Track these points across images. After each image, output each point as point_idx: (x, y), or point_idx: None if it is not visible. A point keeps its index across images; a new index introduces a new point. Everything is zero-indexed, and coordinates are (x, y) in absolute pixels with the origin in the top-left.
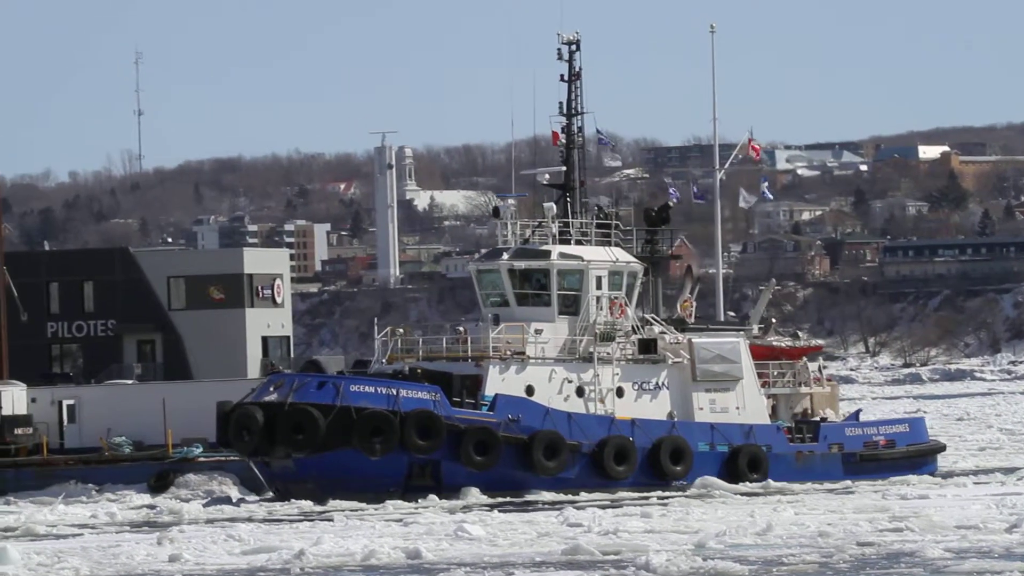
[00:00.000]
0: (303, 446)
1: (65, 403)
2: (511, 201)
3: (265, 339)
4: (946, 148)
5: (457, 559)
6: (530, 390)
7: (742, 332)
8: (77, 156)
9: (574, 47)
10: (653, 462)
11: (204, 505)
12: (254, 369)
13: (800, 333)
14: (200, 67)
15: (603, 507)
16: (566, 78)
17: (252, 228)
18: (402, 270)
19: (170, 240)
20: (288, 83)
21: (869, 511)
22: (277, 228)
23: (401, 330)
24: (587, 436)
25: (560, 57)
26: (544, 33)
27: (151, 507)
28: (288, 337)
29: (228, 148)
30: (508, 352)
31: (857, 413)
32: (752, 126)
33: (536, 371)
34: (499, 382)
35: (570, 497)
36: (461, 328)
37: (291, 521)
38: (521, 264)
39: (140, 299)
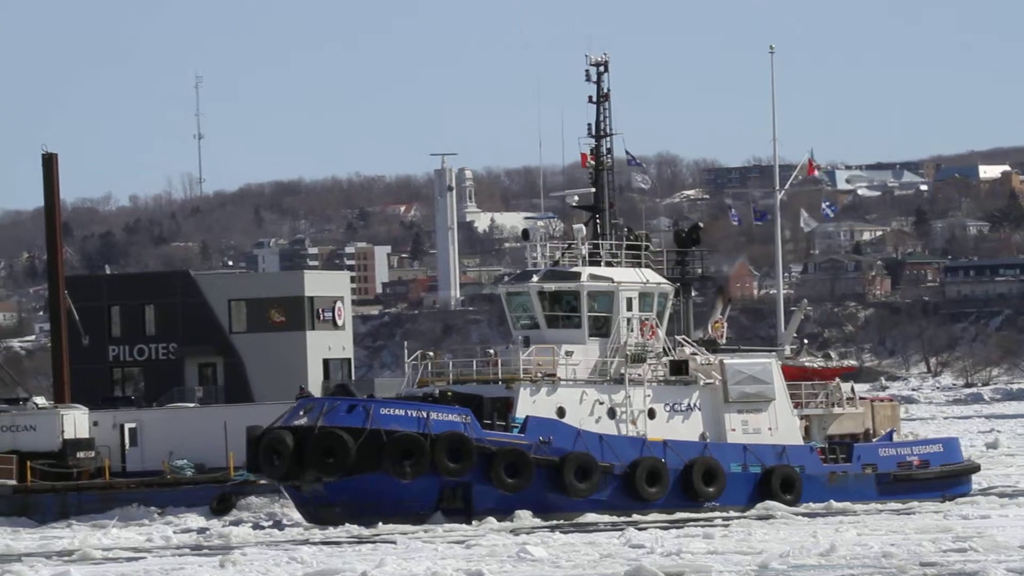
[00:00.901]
0: (333, 470)
1: (127, 426)
2: (540, 223)
3: (326, 361)
4: (1007, 167)
5: None
6: (561, 412)
7: (774, 353)
8: (138, 180)
9: (602, 68)
10: (685, 483)
11: (253, 528)
12: (315, 392)
13: (832, 354)
14: (260, 90)
15: (664, 528)
16: (594, 99)
17: (312, 251)
18: (462, 292)
19: (231, 263)
20: (348, 106)
21: (931, 531)
22: (337, 251)
23: (431, 354)
24: (619, 458)
25: (588, 78)
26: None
27: (200, 531)
28: (349, 359)
29: (288, 171)
30: (539, 374)
31: (891, 434)
32: (812, 147)
33: (567, 393)
34: (530, 404)
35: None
36: (492, 351)
37: (350, 543)
38: (551, 286)
39: (201, 322)
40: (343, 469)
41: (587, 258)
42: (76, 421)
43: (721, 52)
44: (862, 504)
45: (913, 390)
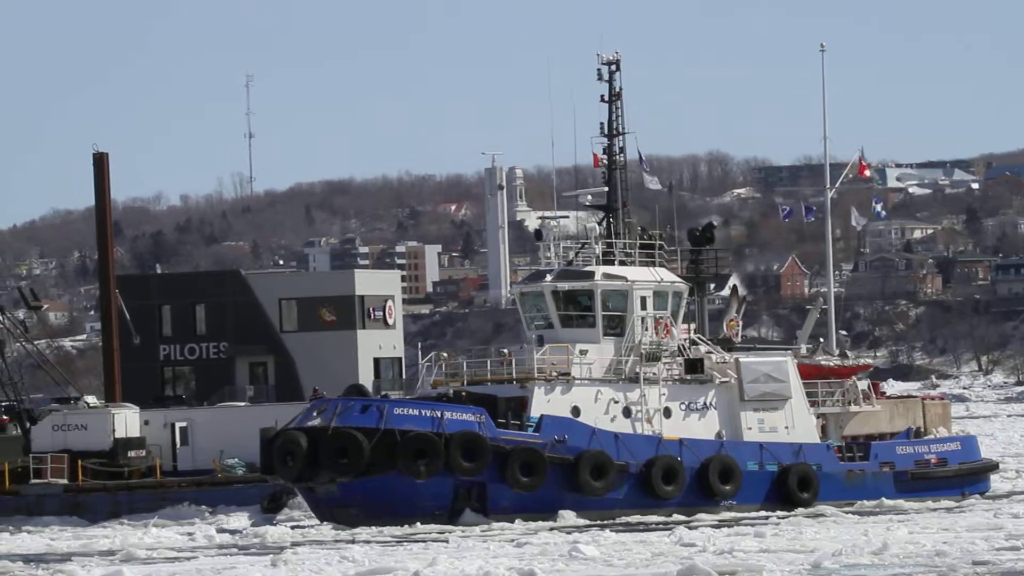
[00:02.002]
0: (347, 471)
1: (178, 425)
2: (554, 224)
3: (377, 360)
4: None
5: None
6: (576, 411)
7: (789, 351)
8: (188, 179)
9: (614, 67)
10: (702, 482)
11: (292, 528)
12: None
13: (848, 352)
14: (310, 89)
15: (715, 527)
16: (606, 98)
17: (363, 250)
18: (513, 291)
19: (281, 262)
20: (398, 105)
21: (983, 529)
22: (388, 249)
23: (445, 355)
24: (634, 456)
25: (600, 77)
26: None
27: (234, 531)
28: (400, 358)
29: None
30: (553, 373)
31: (908, 431)
32: (863, 145)
33: (582, 392)
34: (544, 403)
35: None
36: (506, 351)
37: (402, 542)
38: (565, 286)
39: (252, 321)
40: (357, 470)
41: (601, 257)
42: (127, 420)
43: (772, 50)
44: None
45: (964, 388)
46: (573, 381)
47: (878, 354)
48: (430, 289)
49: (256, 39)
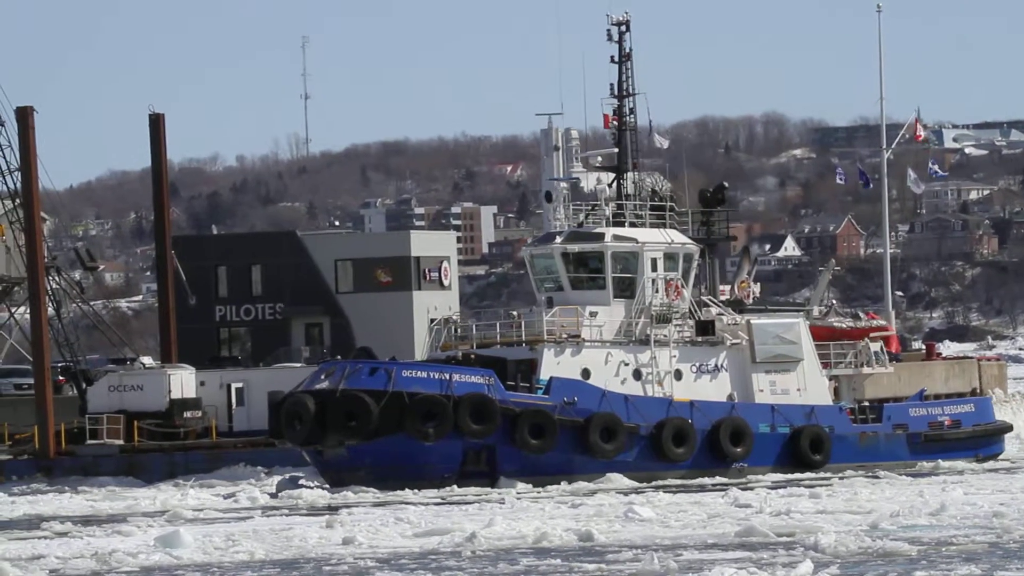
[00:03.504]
0: (355, 433)
1: (233, 386)
2: (563, 185)
3: (432, 321)
4: None
5: (629, 541)
6: (586, 373)
7: (802, 312)
8: (244, 140)
9: (623, 28)
10: (713, 444)
11: (325, 489)
12: (422, 351)
13: (861, 313)
14: (366, 50)
15: (772, 488)
16: (616, 59)
17: (419, 211)
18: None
19: (337, 223)
20: (454, 65)
21: None
22: (444, 211)
23: (456, 317)
24: (645, 418)
25: (610, 38)
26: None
27: (272, 494)
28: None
29: (395, 131)
30: (563, 335)
31: (921, 393)
32: (919, 106)
33: (592, 354)
34: (554, 365)
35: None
36: (515, 313)
37: (458, 504)
38: (574, 247)
39: (308, 282)
40: (365, 433)
41: (611, 219)
42: (183, 381)
43: (828, 10)
44: (893, 464)
45: (1020, 349)
46: (583, 343)
47: (934, 315)
48: (485, 250)
49: (313, 0)
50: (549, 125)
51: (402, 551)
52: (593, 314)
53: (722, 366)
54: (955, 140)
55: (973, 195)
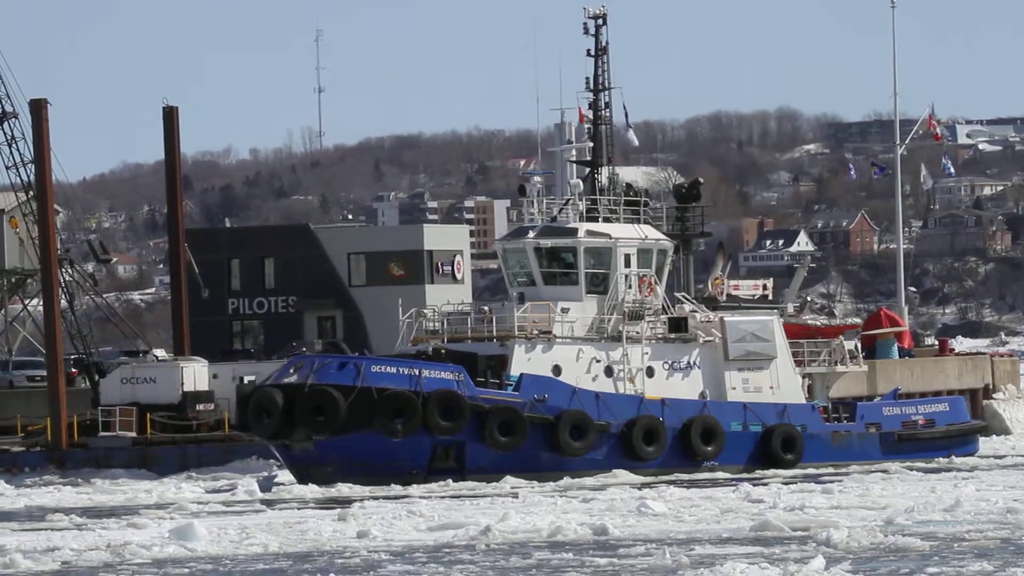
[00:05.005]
0: (323, 428)
1: (246, 379)
2: (537, 179)
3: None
4: None
5: (644, 535)
6: (557, 370)
7: (776, 310)
8: (258, 133)
9: (600, 21)
10: (684, 442)
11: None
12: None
13: (835, 311)
14: (379, 44)
15: (785, 483)
16: (592, 53)
17: (432, 205)
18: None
19: (350, 217)
20: (467, 60)
21: None
22: (457, 204)
23: (427, 311)
24: (615, 416)
25: (586, 31)
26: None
27: (265, 488)
28: None
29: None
30: (534, 331)
31: (895, 392)
32: (933, 102)
33: (563, 350)
34: (525, 362)
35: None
36: (486, 308)
37: (470, 497)
38: (547, 242)
39: (321, 275)
40: (333, 428)
41: (585, 214)
42: (196, 374)
43: (842, 5)
44: (866, 464)
45: None
46: (554, 339)
47: (947, 311)
48: None
49: None
50: (562, 119)
51: (416, 544)
52: (565, 310)
53: (695, 363)
54: (968, 136)
55: (987, 191)
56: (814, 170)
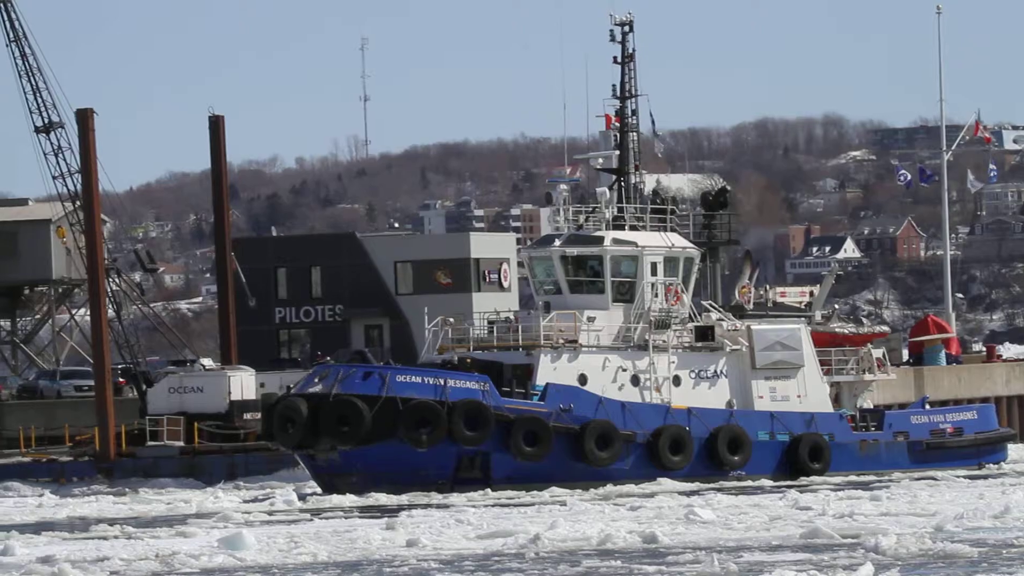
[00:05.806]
0: (348, 438)
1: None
2: (563, 187)
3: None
4: None
5: (693, 543)
6: (583, 379)
7: (803, 319)
8: (304, 142)
9: (627, 28)
10: (710, 452)
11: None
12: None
13: (864, 319)
14: (425, 52)
15: (833, 489)
16: (619, 60)
17: (478, 212)
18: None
19: (396, 225)
20: (514, 67)
21: None
22: (503, 212)
23: (452, 320)
24: (642, 426)
25: (612, 39)
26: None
27: (302, 497)
28: None
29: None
30: (560, 340)
31: (924, 400)
32: (979, 108)
33: (589, 359)
34: (551, 371)
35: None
36: (512, 316)
37: (516, 506)
38: (573, 251)
39: (367, 284)
40: (358, 437)
41: (611, 222)
42: (243, 383)
43: (888, 11)
44: (895, 473)
45: None
46: (580, 348)
47: (994, 317)
48: None
49: (373, 2)
50: (607, 127)
51: (465, 553)
52: (591, 319)
53: (721, 372)
54: (1015, 142)
55: None
56: (860, 176)
